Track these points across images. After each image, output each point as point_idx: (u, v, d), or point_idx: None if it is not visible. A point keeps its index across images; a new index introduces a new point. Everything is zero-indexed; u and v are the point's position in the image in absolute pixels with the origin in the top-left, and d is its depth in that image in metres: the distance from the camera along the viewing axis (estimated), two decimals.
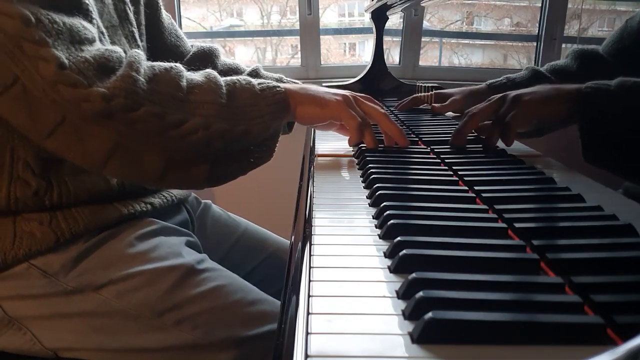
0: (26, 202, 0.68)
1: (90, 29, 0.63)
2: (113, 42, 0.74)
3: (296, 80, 0.95)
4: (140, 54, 0.64)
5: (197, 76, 0.66)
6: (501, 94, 0.77)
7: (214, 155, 0.65)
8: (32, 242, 0.68)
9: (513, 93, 0.76)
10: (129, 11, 0.81)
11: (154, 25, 0.93)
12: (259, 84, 0.69)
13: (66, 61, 0.58)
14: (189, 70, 0.68)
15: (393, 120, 0.76)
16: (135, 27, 0.83)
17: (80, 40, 0.61)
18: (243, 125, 0.65)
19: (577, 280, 0.37)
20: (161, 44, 0.96)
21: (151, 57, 0.87)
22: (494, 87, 1.00)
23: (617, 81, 0.67)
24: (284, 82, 0.92)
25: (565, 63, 0.90)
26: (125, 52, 0.64)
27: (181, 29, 2.07)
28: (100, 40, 0.67)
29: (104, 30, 0.70)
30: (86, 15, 0.65)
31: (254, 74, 0.97)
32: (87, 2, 0.65)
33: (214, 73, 0.68)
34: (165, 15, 0.98)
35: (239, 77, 0.69)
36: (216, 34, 2.50)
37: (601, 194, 0.60)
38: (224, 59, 1.04)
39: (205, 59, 1.00)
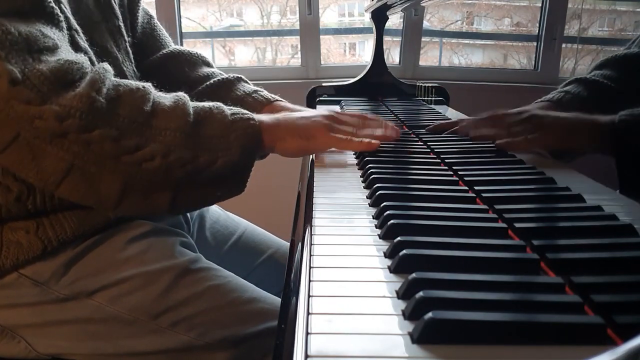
0: (9, 209, 0.66)
1: (51, 36, 0.60)
2: (92, 39, 0.71)
3: (284, 102, 0.88)
4: (107, 69, 0.61)
5: (166, 100, 0.63)
6: (530, 113, 0.76)
7: (177, 184, 0.62)
8: (19, 251, 0.66)
9: (543, 117, 0.75)
10: (113, 4, 0.78)
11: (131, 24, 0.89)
12: (232, 114, 0.65)
13: (19, 75, 0.55)
14: (160, 90, 0.64)
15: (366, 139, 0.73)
16: (122, 20, 0.80)
17: (38, 49, 0.57)
18: (206, 156, 0.62)
19: (577, 280, 0.37)
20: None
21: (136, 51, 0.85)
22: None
23: None
24: (273, 101, 0.88)
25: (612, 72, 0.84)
26: (117, 51, 0.60)
27: (181, 29, 2.08)
28: (74, 40, 0.64)
29: (78, 28, 0.67)
30: (50, 18, 0.61)
31: (229, 84, 0.90)
32: (52, 4, 0.61)
33: (185, 98, 0.64)
34: (142, 10, 0.92)
35: (212, 104, 0.65)
36: (216, 34, 2.50)
37: (601, 194, 0.60)
38: (205, 68, 0.95)
39: (174, 64, 0.92)
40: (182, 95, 0.65)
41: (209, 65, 0.96)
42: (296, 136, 0.69)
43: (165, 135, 0.60)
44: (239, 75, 0.93)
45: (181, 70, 0.92)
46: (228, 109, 0.66)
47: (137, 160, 0.59)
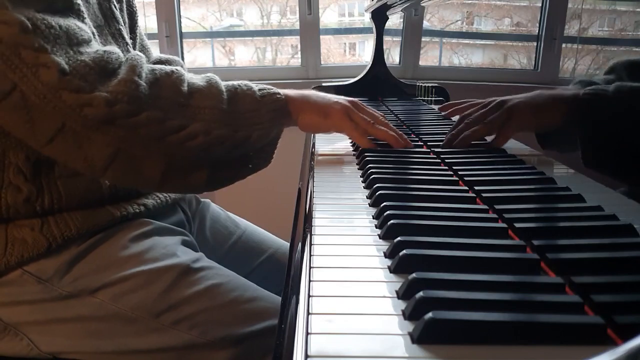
0: (17, 209, 0.68)
1: (85, 29, 0.63)
2: (101, 42, 0.73)
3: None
4: (141, 56, 0.64)
5: (199, 80, 0.66)
6: (498, 100, 0.77)
7: (213, 160, 0.65)
8: (23, 248, 0.67)
9: (510, 101, 0.76)
10: (114, 9, 0.80)
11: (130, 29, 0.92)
12: (259, 89, 0.69)
13: (67, 66, 0.57)
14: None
15: (385, 129, 0.77)
16: (122, 25, 0.82)
17: (77, 42, 0.60)
18: (243, 131, 0.65)
19: (578, 280, 0.37)
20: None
21: None
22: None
23: (615, 86, 0.67)
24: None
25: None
26: (123, 52, 0.64)
27: (181, 29, 2.08)
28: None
29: (94, 30, 0.70)
30: (78, 15, 0.64)
31: None
32: (78, 2, 0.64)
33: (216, 78, 0.68)
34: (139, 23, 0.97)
35: (239, 82, 0.69)
36: (216, 34, 2.50)
37: (601, 194, 0.60)
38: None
39: None
40: (211, 75, 0.68)
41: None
42: (315, 112, 0.72)
43: (205, 113, 0.63)
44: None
45: None
46: (254, 85, 0.69)
47: (180, 140, 0.62)
